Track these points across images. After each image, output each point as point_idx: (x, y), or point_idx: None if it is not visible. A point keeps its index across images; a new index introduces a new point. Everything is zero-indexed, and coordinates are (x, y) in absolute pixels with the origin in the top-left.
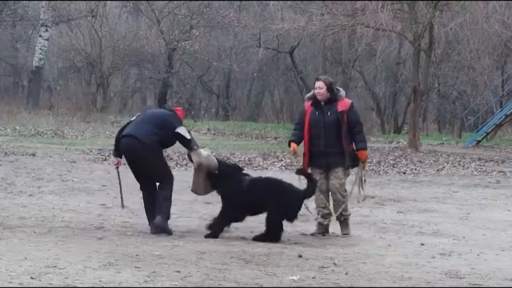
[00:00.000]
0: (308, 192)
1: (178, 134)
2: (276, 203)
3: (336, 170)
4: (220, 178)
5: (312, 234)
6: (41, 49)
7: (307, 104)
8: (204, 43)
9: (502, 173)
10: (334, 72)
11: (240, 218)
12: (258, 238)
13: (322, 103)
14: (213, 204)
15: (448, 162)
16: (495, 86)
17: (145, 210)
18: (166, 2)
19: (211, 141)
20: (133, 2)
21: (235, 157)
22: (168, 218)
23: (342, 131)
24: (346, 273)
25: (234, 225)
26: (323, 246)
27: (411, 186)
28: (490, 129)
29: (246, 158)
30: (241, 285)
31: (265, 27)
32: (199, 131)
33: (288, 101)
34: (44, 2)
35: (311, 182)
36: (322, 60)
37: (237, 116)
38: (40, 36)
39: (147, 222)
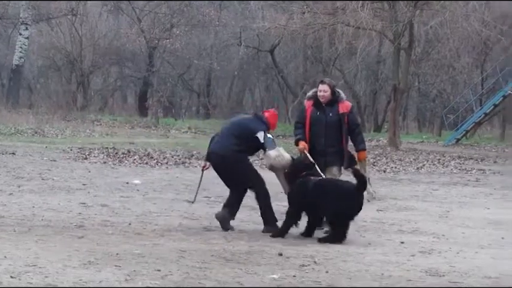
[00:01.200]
0: (360, 187)
1: (256, 138)
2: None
3: (332, 168)
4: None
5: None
6: (21, 47)
7: (308, 104)
8: (184, 41)
9: (482, 171)
10: (315, 71)
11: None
12: (326, 239)
13: (324, 104)
14: (195, 203)
15: (427, 161)
16: (475, 85)
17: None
18: (146, 1)
19: (192, 139)
20: (114, 1)
21: None
22: (273, 224)
23: (343, 131)
24: (327, 272)
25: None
26: (303, 244)
27: (391, 185)
28: (470, 127)
29: None
30: (222, 284)
31: (246, 25)
32: (179, 130)
33: (268, 99)
34: (23, 1)
35: (360, 177)
36: (303, 59)
37: (217, 114)
38: (20, 34)
39: (127, 221)
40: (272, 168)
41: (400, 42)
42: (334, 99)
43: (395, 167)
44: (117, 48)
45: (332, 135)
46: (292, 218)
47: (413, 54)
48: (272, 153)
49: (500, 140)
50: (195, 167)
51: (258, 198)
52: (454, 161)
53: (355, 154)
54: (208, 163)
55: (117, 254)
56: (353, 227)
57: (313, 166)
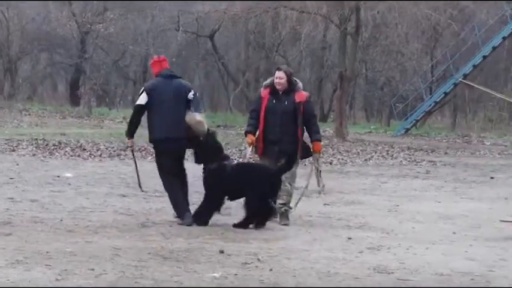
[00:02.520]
0: (283, 169)
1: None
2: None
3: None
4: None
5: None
6: None
7: (264, 92)
8: (119, 26)
9: (432, 163)
10: (258, 57)
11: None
12: (240, 225)
13: (280, 92)
14: (129, 197)
15: (376, 152)
16: (424, 72)
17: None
18: None
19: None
20: None
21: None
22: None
23: (298, 121)
24: (271, 270)
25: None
26: (246, 240)
27: (338, 177)
28: (420, 116)
29: None
30: (159, 284)
31: (184, 9)
32: (114, 120)
33: (208, 87)
34: None
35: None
36: (245, 45)
37: None
38: None
39: (58, 217)
40: (190, 127)
41: (346, 27)
42: (291, 88)
43: (342, 159)
44: (47, 33)
45: (288, 124)
46: (211, 202)
47: (360, 39)
48: (198, 116)
49: (451, 130)
50: (131, 159)
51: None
52: (403, 152)
53: (310, 145)
54: (133, 141)
55: (47, 252)
56: (299, 221)
57: (221, 151)
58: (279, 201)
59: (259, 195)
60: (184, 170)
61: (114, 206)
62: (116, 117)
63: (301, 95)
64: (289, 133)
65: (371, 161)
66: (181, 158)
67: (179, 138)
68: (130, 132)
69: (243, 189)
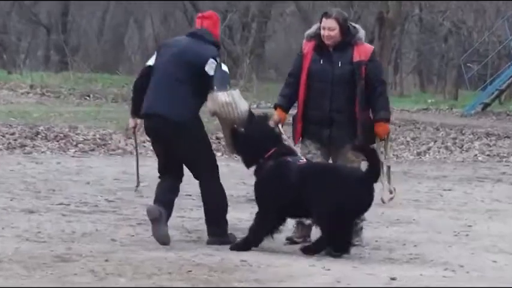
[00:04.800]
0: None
1: (205, 73)
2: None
3: (343, 149)
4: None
5: (289, 240)
6: None
7: (308, 47)
8: None
9: None
10: None
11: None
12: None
13: (331, 48)
14: (39, 214)
15: (436, 141)
16: None
17: None
18: None
19: (37, 106)
20: None
21: (77, 133)
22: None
23: (357, 90)
24: None
25: None
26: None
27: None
28: (505, 84)
29: (98, 136)
30: None
31: None
32: (16, 90)
33: (167, 34)
34: None
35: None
36: None
37: (81, 64)
38: None
39: None
40: (216, 114)
41: None
42: (347, 41)
43: (382, 152)
44: None
45: (341, 96)
46: (265, 222)
47: None
48: (221, 96)
49: None
50: (43, 152)
51: (206, 189)
52: (479, 141)
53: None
54: (138, 122)
55: None
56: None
57: (279, 136)
58: None
59: (341, 210)
60: (182, 172)
61: (16, 229)
62: (20, 85)
63: (364, 51)
64: (342, 109)
65: (428, 155)
66: (177, 153)
67: (165, 117)
68: (133, 107)
69: (314, 201)
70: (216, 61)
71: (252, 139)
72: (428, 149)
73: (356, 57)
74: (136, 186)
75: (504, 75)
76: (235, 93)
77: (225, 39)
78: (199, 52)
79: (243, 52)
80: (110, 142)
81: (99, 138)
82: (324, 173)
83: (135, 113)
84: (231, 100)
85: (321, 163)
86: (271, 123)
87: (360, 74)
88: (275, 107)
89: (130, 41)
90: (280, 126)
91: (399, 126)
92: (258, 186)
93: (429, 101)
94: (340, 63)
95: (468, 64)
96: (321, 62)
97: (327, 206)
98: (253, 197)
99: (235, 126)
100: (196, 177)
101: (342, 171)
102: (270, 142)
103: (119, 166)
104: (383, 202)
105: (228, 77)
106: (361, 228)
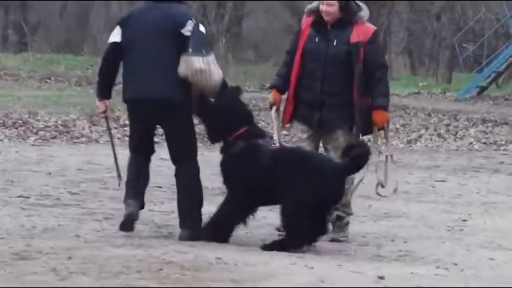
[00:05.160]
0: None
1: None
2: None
3: (335, 134)
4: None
5: (279, 230)
6: None
7: (306, 22)
8: None
9: None
10: None
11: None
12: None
13: (329, 25)
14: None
15: (427, 128)
16: None
17: None
18: None
19: None
20: None
21: (38, 119)
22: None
23: (355, 73)
24: None
25: None
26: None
27: (361, 172)
28: (503, 66)
29: (60, 123)
30: None
31: None
32: None
33: None
34: None
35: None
36: None
37: (42, 44)
38: None
39: None
40: (186, 78)
41: None
42: (347, 19)
43: (370, 140)
44: None
45: (335, 78)
46: (235, 205)
47: None
48: (196, 62)
49: None
50: (0, 140)
51: (185, 174)
52: (474, 128)
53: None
54: (108, 104)
55: None
56: None
57: (251, 114)
58: None
59: (311, 200)
60: (153, 149)
61: None
62: None
63: (364, 31)
64: (335, 92)
65: (419, 143)
66: (167, 132)
67: (160, 100)
68: (101, 89)
69: (286, 189)
70: (193, 22)
71: (222, 113)
72: (420, 136)
73: (354, 37)
74: (119, 178)
75: (502, 56)
76: (211, 59)
77: (198, 17)
78: (174, 16)
79: (218, 31)
80: (73, 129)
81: (61, 125)
82: (296, 159)
83: (103, 95)
84: (205, 68)
85: (295, 148)
86: (243, 100)
87: (358, 55)
88: (271, 88)
89: (97, 19)
90: (274, 109)
91: (389, 112)
92: (226, 167)
93: (420, 84)
94: (335, 42)
95: (463, 44)
96: (317, 39)
97: (297, 194)
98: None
99: (205, 94)
100: (177, 160)
101: (316, 159)
102: (241, 120)
103: (83, 155)
104: (380, 196)
105: (204, 40)
106: (347, 223)
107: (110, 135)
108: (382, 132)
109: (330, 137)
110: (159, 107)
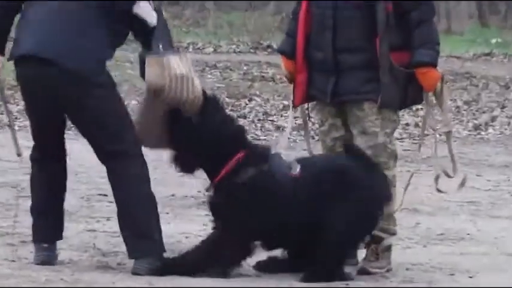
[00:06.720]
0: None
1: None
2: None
3: (360, 110)
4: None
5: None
6: None
7: None
8: None
9: None
10: None
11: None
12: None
13: None
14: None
15: (503, 107)
16: None
17: None
18: None
19: None
20: None
21: None
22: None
23: (377, 16)
24: None
25: None
26: None
27: (406, 171)
28: None
29: None
30: None
31: None
32: None
33: None
34: None
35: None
36: None
37: None
38: None
39: None
40: (156, 91)
41: None
42: None
43: (417, 124)
44: None
45: (352, 27)
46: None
47: None
48: (175, 63)
49: None
50: None
51: (123, 179)
52: None
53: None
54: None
55: None
56: None
57: (245, 130)
58: None
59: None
60: (64, 148)
61: None
62: None
63: None
64: (358, 47)
65: (491, 129)
66: (76, 120)
67: (59, 63)
68: None
69: (320, 222)
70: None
71: (209, 135)
72: (493, 119)
73: None
74: (18, 155)
75: None
76: (189, 60)
77: None
78: None
79: None
80: None
81: None
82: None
83: None
84: (186, 72)
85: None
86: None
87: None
88: (280, 53)
89: None
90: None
91: (445, 83)
92: (226, 204)
93: (493, 41)
94: None
95: None
96: None
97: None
98: (204, 199)
99: (180, 109)
100: (105, 159)
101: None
102: (235, 142)
103: None
104: (441, 192)
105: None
106: (389, 247)
107: (3, 98)
108: (433, 99)
109: (353, 115)
110: (59, 74)
